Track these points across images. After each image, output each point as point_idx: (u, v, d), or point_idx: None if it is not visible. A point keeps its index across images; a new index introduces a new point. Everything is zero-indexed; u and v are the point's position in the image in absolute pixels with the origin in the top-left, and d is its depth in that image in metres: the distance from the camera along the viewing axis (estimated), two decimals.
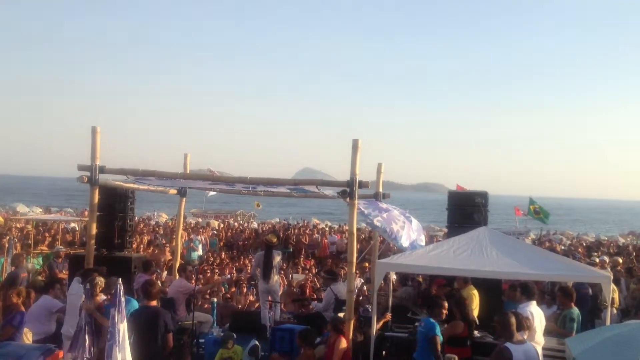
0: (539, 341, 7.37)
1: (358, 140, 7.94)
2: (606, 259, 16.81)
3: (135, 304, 7.57)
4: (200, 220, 33.84)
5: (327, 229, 30.16)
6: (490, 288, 9.26)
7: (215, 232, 27.24)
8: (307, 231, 26.82)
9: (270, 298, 10.50)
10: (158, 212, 40.60)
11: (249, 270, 15.78)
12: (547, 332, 7.90)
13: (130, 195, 10.83)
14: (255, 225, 33.09)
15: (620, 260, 16.79)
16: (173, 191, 12.02)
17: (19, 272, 11.37)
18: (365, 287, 12.78)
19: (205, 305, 11.53)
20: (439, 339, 6.89)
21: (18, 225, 25.90)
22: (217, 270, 15.90)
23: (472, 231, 8.67)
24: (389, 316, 9.14)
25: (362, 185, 8.06)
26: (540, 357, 6.73)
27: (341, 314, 8.57)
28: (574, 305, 8.50)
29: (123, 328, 6.10)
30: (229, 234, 27.09)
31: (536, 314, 7.53)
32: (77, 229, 24.85)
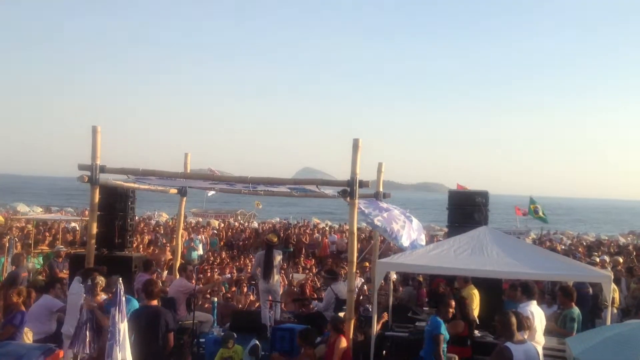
0: (540, 341, 7.37)
1: (358, 140, 7.94)
2: (606, 258, 16.80)
3: (135, 304, 7.57)
4: (200, 219, 33.84)
5: (327, 228, 30.17)
6: (491, 288, 9.26)
7: (215, 231, 27.25)
8: (307, 231, 26.82)
9: (270, 298, 10.50)
10: (158, 212, 40.62)
11: (249, 270, 15.79)
12: (548, 332, 7.91)
13: (131, 195, 10.83)
14: (255, 224, 33.10)
15: (621, 260, 16.78)
16: (173, 191, 12.03)
17: (19, 271, 11.37)
18: (365, 287, 12.79)
19: (206, 305, 11.53)
20: (443, 337, 6.87)
21: (18, 224, 25.89)
22: (216, 270, 15.92)
23: (473, 231, 8.66)
24: (386, 316, 9.13)
25: (362, 184, 8.06)
26: (541, 357, 6.73)
27: (341, 314, 8.57)
28: (575, 305, 8.50)
29: (123, 327, 6.10)
30: (230, 233, 27.10)
31: (536, 313, 7.53)
32: (78, 228, 24.86)
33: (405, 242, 9.23)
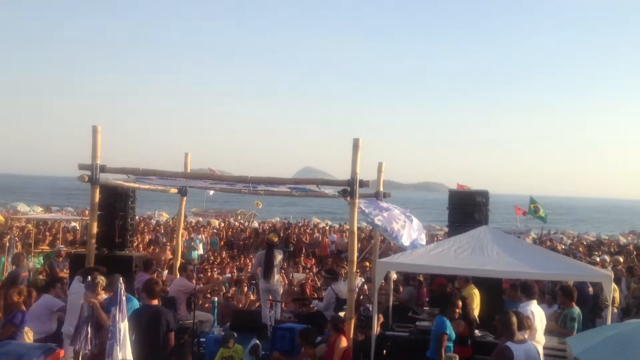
0: (540, 340, 7.37)
1: (359, 140, 7.94)
2: (607, 258, 16.81)
3: (136, 303, 7.57)
4: (201, 219, 33.86)
5: (327, 228, 30.17)
6: (491, 287, 9.26)
7: (215, 231, 27.27)
8: (307, 230, 26.83)
9: (271, 297, 10.50)
10: (159, 211, 40.64)
11: (249, 270, 15.80)
12: (548, 332, 7.90)
13: (131, 195, 10.83)
14: (256, 224, 33.11)
15: (621, 260, 16.78)
16: (174, 190, 12.03)
17: (19, 271, 11.36)
18: (366, 286, 12.78)
19: (206, 305, 11.53)
20: (447, 337, 6.85)
21: (19, 224, 25.90)
22: (216, 270, 15.92)
23: (473, 230, 8.66)
24: (381, 318, 9.11)
25: (362, 184, 8.06)
26: (541, 357, 6.72)
27: (342, 313, 8.57)
28: (575, 305, 8.50)
29: (124, 327, 6.11)
30: (230, 233, 27.12)
31: (537, 313, 7.53)
32: (78, 228, 24.87)
33: (405, 241, 9.23)
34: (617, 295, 11.20)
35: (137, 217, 14.89)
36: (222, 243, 24.73)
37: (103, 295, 7.43)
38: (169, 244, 18.95)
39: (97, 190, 9.15)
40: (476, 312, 8.60)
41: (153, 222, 31.86)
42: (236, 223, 32.64)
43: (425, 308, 10.30)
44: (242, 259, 19.55)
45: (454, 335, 7.00)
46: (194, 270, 10.86)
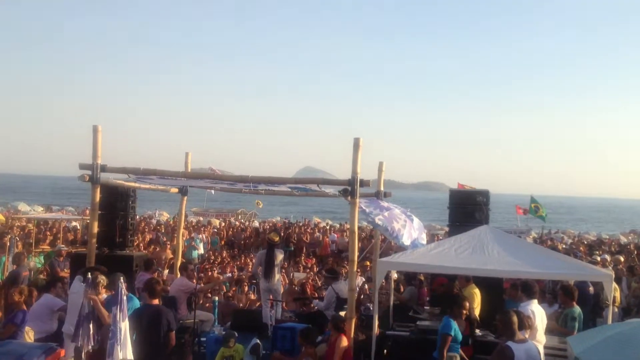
0: (541, 340, 7.37)
1: (359, 139, 7.94)
2: (607, 257, 16.80)
3: (136, 303, 7.57)
4: (201, 218, 33.89)
5: (328, 227, 30.18)
6: (492, 287, 9.25)
7: (216, 230, 27.28)
8: (308, 230, 26.84)
9: (271, 297, 10.51)
10: (159, 211, 40.70)
11: (250, 269, 15.80)
12: (549, 331, 7.90)
13: (132, 194, 10.83)
14: (256, 224, 33.12)
15: (622, 259, 16.78)
16: (174, 190, 12.02)
17: (20, 270, 11.37)
18: (366, 286, 12.78)
19: (207, 304, 11.54)
20: (451, 338, 6.81)
21: (19, 223, 25.92)
22: (216, 269, 15.93)
23: (474, 230, 8.66)
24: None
25: (363, 183, 8.05)
26: (542, 356, 6.72)
27: (342, 313, 8.57)
28: (576, 304, 8.49)
29: (125, 326, 6.11)
30: (230, 232, 27.13)
31: (537, 312, 7.53)
32: (79, 227, 24.89)
33: (406, 241, 9.23)
34: (617, 294, 11.19)
35: (137, 217, 14.89)
36: (222, 242, 24.75)
37: (103, 295, 7.43)
38: (169, 243, 18.95)
39: (98, 190, 9.15)
40: (477, 311, 8.60)
41: (154, 221, 31.89)
42: (237, 222, 32.66)
43: (426, 307, 10.30)
44: (243, 258, 19.57)
45: (460, 336, 6.95)
46: (195, 269, 10.85)
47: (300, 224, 29.85)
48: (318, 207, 71.68)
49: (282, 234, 21.58)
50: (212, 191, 13.73)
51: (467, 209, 10.28)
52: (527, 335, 6.49)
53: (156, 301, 7.05)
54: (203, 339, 9.45)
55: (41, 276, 13.87)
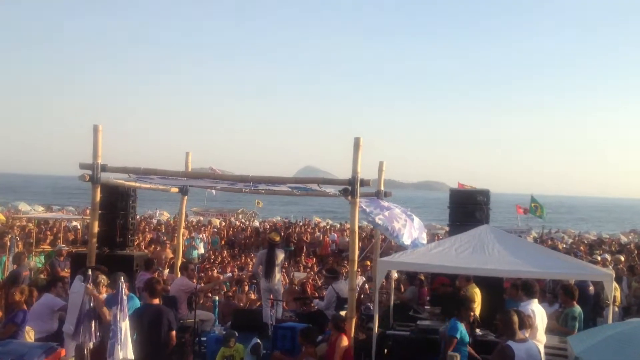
0: (541, 339, 7.37)
1: (360, 139, 7.93)
2: (608, 257, 16.79)
3: (137, 302, 7.58)
4: (202, 218, 33.90)
5: (328, 227, 30.19)
6: (492, 286, 9.25)
7: (216, 230, 27.29)
8: (308, 229, 26.84)
9: (272, 296, 10.51)
10: (160, 211, 40.71)
11: (250, 269, 15.80)
12: (549, 331, 7.90)
13: (132, 194, 10.84)
14: (256, 223, 33.12)
15: (622, 259, 16.77)
16: (175, 189, 12.02)
17: (20, 270, 11.37)
18: (367, 285, 12.78)
19: (207, 304, 11.54)
20: (456, 341, 6.76)
21: (20, 223, 25.93)
22: (215, 269, 15.92)
23: (474, 229, 8.65)
24: None
25: (363, 183, 8.05)
26: (542, 356, 6.72)
27: (343, 312, 8.57)
28: (576, 304, 8.50)
29: (125, 326, 6.11)
30: (231, 232, 27.14)
31: (538, 312, 7.53)
32: (79, 227, 24.88)
33: (406, 240, 9.23)
34: (618, 294, 11.19)
35: (138, 217, 14.90)
36: (223, 242, 24.77)
37: (104, 294, 7.44)
38: (169, 242, 18.96)
39: (98, 190, 9.15)
40: (477, 311, 8.60)
41: (154, 221, 31.91)
42: (237, 222, 32.68)
43: (426, 307, 10.31)
44: (243, 258, 19.57)
45: (467, 338, 6.91)
46: (195, 269, 10.85)
47: (301, 224, 29.86)
48: (318, 207, 71.66)
49: (283, 234, 21.59)
50: (214, 191, 13.74)
51: (467, 209, 10.27)
52: (527, 335, 6.49)
53: (157, 301, 7.06)
54: (203, 338, 9.45)
55: (42, 276, 13.87)
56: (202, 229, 26.54)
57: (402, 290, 12.14)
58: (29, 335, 7.76)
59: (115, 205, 10.48)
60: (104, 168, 8.96)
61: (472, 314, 7.19)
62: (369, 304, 10.87)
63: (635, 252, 20.05)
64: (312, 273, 16.45)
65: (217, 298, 11.43)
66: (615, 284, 8.88)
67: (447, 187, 12.49)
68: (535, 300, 7.71)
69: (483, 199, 10.27)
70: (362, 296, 11.81)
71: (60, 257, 14.72)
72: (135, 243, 12.21)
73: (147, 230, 25.39)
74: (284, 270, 14.21)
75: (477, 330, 8.15)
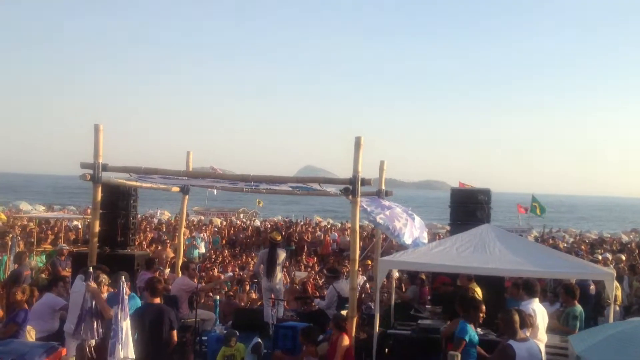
0: (542, 339, 7.36)
1: (360, 138, 7.93)
2: (609, 256, 16.77)
3: (138, 301, 7.58)
4: (202, 217, 33.91)
5: (329, 226, 30.18)
6: (493, 285, 9.24)
7: (217, 229, 27.30)
8: (309, 229, 26.84)
9: (273, 295, 10.51)
10: (161, 210, 40.73)
11: (251, 268, 15.81)
12: (550, 330, 7.89)
13: (133, 193, 10.84)
14: (257, 223, 33.12)
15: (623, 258, 16.75)
16: (176, 189, 12.03)
17: (22, 269, 11.38)
18: (367, 285, 12.78)
19: (208, 303, 11.54)
20: (465, 343, 6.63)
21: (21, 223, 25.96)
22: (216, 268, 15.93)
23: (475, 228, 8.65)
24: None
25: (364, 182, 8.04)
26: (543, 355, 6.71)
27: (344, 312, 8.57)
28: (577, 303, 8.49)
29: (126, 325, 6.11)
30: (232, 231, 27.14)
31: (539, 311, 7.52)
32: (80, 226, 24.90)
33: (407, 240, 9.23)
34: (619, 293, 11.18)
35: (139, 216, 14.91)
36: (224, 241, 24.77)
37: (105, 294, 7.45)
38: (169, 242, 18.97)
39: (99, 189, 9.15)
40: None
41: (155, 220, 31.93)
42: (238, 221, 32.67)
43: (427, 306, 10.30)
44: (244, 257, 19.58)
45: (476, 340, 6.86)
46: (196, 268, 10.86)
47: (302, 223, 29.84)
48: (319, 206, 71.67)
49: (284, 233, 21.59)
50: (215, 191, 13.74)
51: (468, 208, 10.27)
52: (528, 334, 6.49)
53: (158, 300, 7.06)
54: (204, 338, 9.45)
55: (43, 275, 13.90)
56: (203, 228, 26.55)
57: (404, 289, 12.14)
58: (30, 334, 7.77)
59: (116, 204, 10.48)
60: (105, 167, 8.96)
61: (481, 315, 7.08)
62: (370, 303, 10.87)
63: (637, 251, 20.02)
64: (313, 272, 16.45)
65: (218, 297, 11.43)
66: (616, 283, 8.88)
67: (448, 187, 12.49)
68: (537, 300, 7.71)
69: (484, 198, 10.27)
70: (363, 295, 11.81)
71: (61, 256, 14.74)
72: (137, 242, 12.22)
73: (148, 229, 25.40)
74: (285, 270, 14.21)
75: (478, 330, 8.14)
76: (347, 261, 15.46)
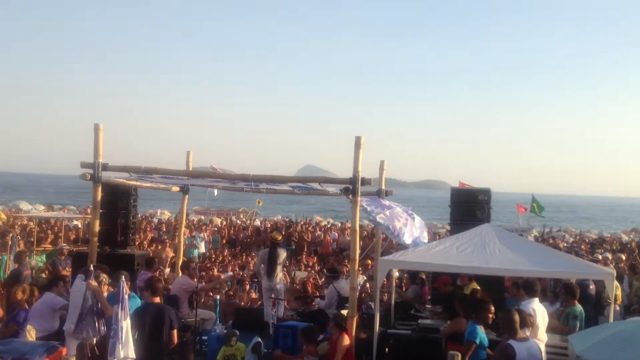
0: (542, 338, 7.36)
1: (361, 137, 7.92)
2: (609, 255, 16.78)
3: (138, 301, 7.58)
4: (202, 217, 33.91)
5: (329, 226, 30.17)
6: (493, 285, 9.24)
7: (217, 229, 27.30)
8: (309, 228, 26.84)
9: (273, 295, 10.51)
10: (161, 210, 40.72)
11: (251, 268, 15.80)
12: (550, 329, 7.89)
13: (133, 193, 10.84)
14: (257, 222, 33.12)
15: (624, 257, 16.77)
16: (176, 188, 12.02)
17: (22, 269, 11.38)
18: (367, 284, 12.78)
19: (209, 303, 11.55)
20: (475, 345, 6.63)
21: (21, 222, 25.94)
22: (216, 268, 15.92)
23: (475, 228, 8.65)
24: None
25: (364, 182, 8.03)
26: (544, 355, 6.71)
27: (344, 311, 8.57)
28: (577, 303, 8.49)
29: (126, 325, 6.11)
30: (232, 231, 27.14)
31: (539, 311, 7.52)
32: (80, 226, 24.90)
33: (407, 239, 9.23)
34: (619, 293, 11.18)
35: (139, 215, 14.90)
36: (224, 241, 24.77)
37: (105, 294, 7.44)
38: (169, 241, 18.97)
39: (99, 189, 9.13)
40: None
41: (155, 220, 31.92)
42: (238, 221, 32.68)
43: (427, 306, 10.30)
44: (244, 257, 19.57)
45: (486, 342, 6.84)
46: (196, 268, 10.86)
47: (302, 223, 29.84)
48: (319, 206, 71.67)
49: (284, 233, 21.59)
50: (215, 192, 13.74)
51: (468, 208, 10.27)
52: (528, 334, 6.48)
53: (158, 299, 7.06)
54: (205, 337, 9.46)
55: (43, 275, 13.89)
56: (203, 227, 26.55)
57: (404, 289, 12.13)
58: (31, 334, 7.77)
59: (117, 204, 10.49)
60: (105, 167, 8.94)
61: (491, 316, 7.05)
62: (370, 303, 10.87)
63: (637, 250, 20.04)
64: (313, 272, 16.45)
65: (218, 297, 11.44)
66: (616, 283, 8.87)
67: (448, 186, 12.48)
68: (537, 299, 7.71)
69: (484, 197, 10.27)
70: (363, 295, 11.81)
71: (61, 256, 14.74)
72: (137, 242, 12.22)
73: (148, 229, 25.39)
74: (285, 269, 14.22)
75: None
76: (347, 261, 15.47)
